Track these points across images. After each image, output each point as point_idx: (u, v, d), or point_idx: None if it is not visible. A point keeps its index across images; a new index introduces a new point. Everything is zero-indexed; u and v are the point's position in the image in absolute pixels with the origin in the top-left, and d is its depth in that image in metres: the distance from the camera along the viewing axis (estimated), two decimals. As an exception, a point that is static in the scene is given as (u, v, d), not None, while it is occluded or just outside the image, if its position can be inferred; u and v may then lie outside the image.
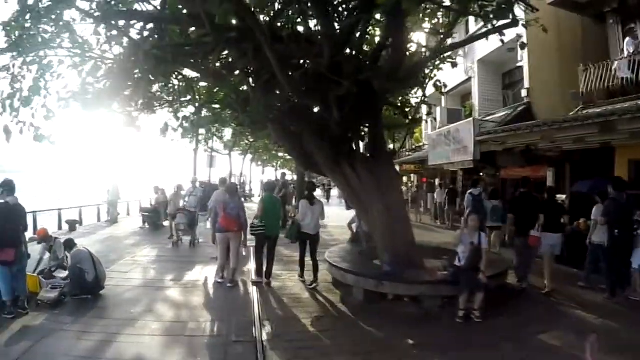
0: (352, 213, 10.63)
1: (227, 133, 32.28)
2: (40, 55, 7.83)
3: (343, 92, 7.48)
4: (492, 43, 16.95)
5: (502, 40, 8.65)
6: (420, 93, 12.89)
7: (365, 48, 10.05)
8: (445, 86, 12.04)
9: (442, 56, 10.76)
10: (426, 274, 8.07)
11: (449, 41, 9.64)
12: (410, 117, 12.64)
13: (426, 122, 17.02)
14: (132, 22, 7.61)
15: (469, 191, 13.31)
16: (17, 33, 7.25)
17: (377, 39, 10.07)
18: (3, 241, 6.78)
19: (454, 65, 11.60)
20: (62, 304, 7.47)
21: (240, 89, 9.52)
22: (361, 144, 10.58)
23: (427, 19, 10.06)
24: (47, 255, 8.81)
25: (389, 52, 8.65)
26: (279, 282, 9.37)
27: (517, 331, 6.66)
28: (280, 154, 43.53)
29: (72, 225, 17.60)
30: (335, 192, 43.98)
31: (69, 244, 8.43)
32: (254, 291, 8.60)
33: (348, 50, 8.46)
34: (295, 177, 41.78)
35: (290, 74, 7.66)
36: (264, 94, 8.36)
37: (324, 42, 7.23)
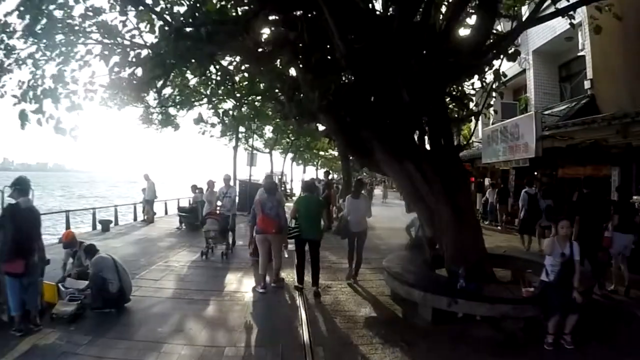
0: (411, 216, 9.63)
1: (268, 131, 32.46)
2: (64, 41, 7.29)
3: (414, 68, 6.36)
4: (548, 32, 16.22)
5: (571, 24, 8.45)
6: (472, 85, 11.90)
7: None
8: (505, 75, 10.90)
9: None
10: (506, 290, 6.87)
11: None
12: (468, 109, 11.44)
13: (485, 116, 15.95)
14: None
15: (524, 190, 13.28)
16: (29, 16, 6.64)
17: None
18: (12, 250, 5.87)
19: (518, 53, 10.56)
20: (81, 318, 6.56)
21: (287, 74, 8.60)
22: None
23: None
24: (71, 261, 8.03)
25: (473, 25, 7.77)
26: (329, 294, 8.29)
27: (615, 360, 5.47)
28: (322, 153, 43.09)
29: (106, 225, 17.03)
30: (378, 191, 43.00)
31: (90, 250, 7.51)
32: (301, 308, 7.45)
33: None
34: (336, 176, 41.10)
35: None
36: (316, 76, 7.29)
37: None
